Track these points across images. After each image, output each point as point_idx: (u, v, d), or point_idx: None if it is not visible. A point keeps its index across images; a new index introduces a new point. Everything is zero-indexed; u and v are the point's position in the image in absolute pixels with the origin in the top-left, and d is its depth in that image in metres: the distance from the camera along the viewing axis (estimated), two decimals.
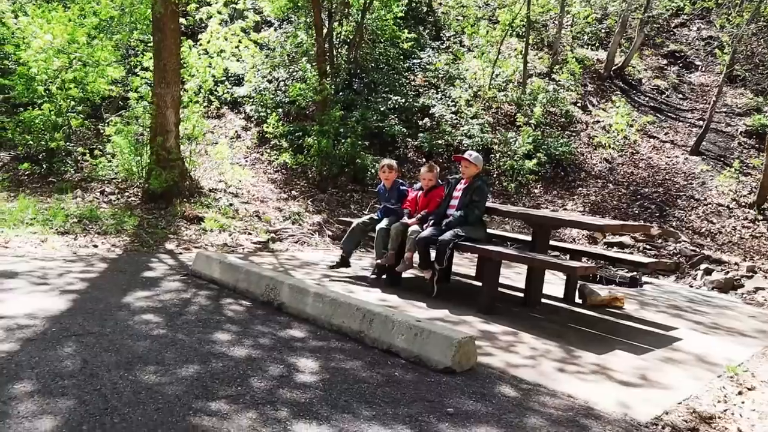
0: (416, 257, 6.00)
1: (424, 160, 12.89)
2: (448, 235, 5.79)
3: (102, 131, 10.94)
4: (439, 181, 6.38)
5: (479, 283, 7.06)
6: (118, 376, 3.30)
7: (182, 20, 9.80)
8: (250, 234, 8.48)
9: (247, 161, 11.97)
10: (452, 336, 3.77)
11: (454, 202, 6.13)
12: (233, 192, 10.31)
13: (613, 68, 17.50)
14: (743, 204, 12.21)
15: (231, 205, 9.55)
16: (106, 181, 9.88)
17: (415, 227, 6.06)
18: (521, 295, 6.46)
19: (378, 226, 6.29)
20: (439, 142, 13.28)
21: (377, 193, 6.81)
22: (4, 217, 7.26)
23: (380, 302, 5.58)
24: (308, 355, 3.91)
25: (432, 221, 6.12)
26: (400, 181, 6.69)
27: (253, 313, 4.77)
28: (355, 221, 6.47)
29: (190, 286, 5.48)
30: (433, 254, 5.82)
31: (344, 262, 6.56)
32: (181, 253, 7.03)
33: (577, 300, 6.73)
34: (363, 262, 7.73)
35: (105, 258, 6.35)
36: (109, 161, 10.09)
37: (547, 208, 12.15)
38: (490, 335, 4.93)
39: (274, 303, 4.92)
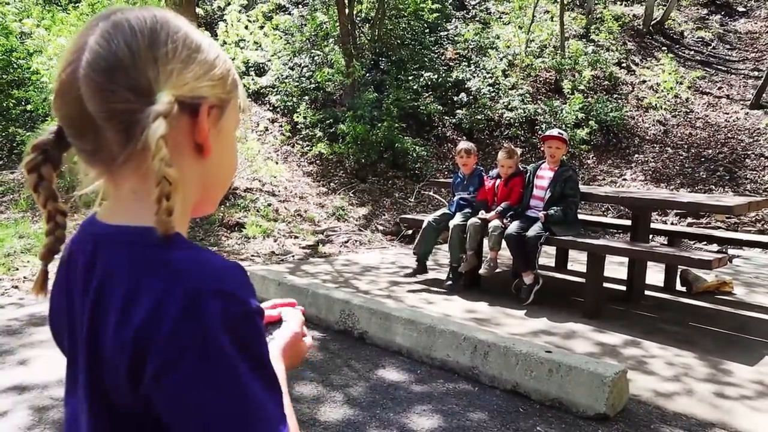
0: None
1: (464, 138, 12.01)
2: (536, 228, 4.97)
3: None
4: (519, 167, 5.53)
5: (562, 276, 6.25)
6: None
7: (198, 10, 9.01)
8: (296, 237, 7.73)
9: (278, 155, 11.19)
10: (602, 372, 2.98)
11: (538, 192, 5.31)
12: (270, 190, 9.56)
13: (652, 23, 16.34)
14: None
15: (270, 205, 8.81)
16: None
17: (497, 222, 5.24)
18: (616, 286, 5.64)
19: (452, 223, 5.46)
20: (479, 117, 12.36)
21: (451, 183, 5.96)
22: (31, 243, 6.58)
23: (468, 314, 4.81)
24: (416, 408, 3.14)
25: (513, 214, 5.31)
26: (481, 168, 5.84)
27: (330, 349, 4.01)
28: (425, 220, 5.65)
29: None
30: None
31: (421, 269, 5.76)
32: None
33: (679, 287, 5.90)
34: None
35: None
36: None
37: (604, 179, 11.23)
38: (610, 350, 4.13)
39: (353, 332, 4.15)
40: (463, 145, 5.77)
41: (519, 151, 5.67)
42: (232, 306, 0.63)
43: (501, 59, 13.81)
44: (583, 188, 5.45)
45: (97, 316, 0.66)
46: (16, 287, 5.36)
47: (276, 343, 0.89)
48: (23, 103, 9.88)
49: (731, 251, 7.67)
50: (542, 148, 5.77)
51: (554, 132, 5.21)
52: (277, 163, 10.35)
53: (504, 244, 5.15)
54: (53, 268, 0.74)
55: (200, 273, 0.64)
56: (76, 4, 10.24)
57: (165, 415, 0.62)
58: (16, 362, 3.68)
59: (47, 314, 0.79)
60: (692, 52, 15.76)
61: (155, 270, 0.64)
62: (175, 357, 0.60)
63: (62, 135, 0.72)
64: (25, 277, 5.63)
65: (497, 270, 5.38)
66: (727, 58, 15.46)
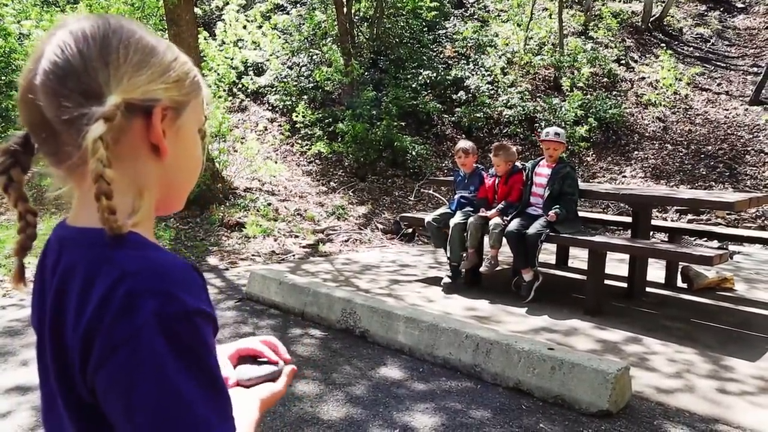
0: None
1: (463, 136, 12.00)
2: (536, 226, 4.97)
3: None
4: (518, 164, 5.52)
5: (562, 273, 6.25)
6: None
7: (196, 10, 9.00)
8: (296, 237, 7.73)
9: (278, 154, 11.18)
10: (605, 369, 2.97)
11: (537, 190, 5.30)
12: (269, 190, 9.56)
13: (650, 20, 16.33)
14: None
15: (269, 204, 8.81)
16: None
17: (497, 220, 5.23)
18: (617, 283, 5.64)
19: (453, 221, 5.44)
20: (478, 115, 12.35)
21: (453, 181, 5.94)
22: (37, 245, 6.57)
23: (469, 312, 4.81)
24: (419, 406, 3.14)
25: (514, 212, 5.30)
26: (481, 167, 5.82)
27: (332, 348, 4.00)
28: (425, 221, 5.63)
29: (247, 315, 4.73)
30: None
31: (457, 273, 5.52)
32: (227, 269, 6.30)
33: (680, 284, 5.89)
34: (425, 258, 6.95)
35: None
36: None
37: (603, 176, 11.23)
38: (612, 346, 4.13)
39: (354, 331, 4.15)
40: (462, 144, 5.75)
41: (513, 148, 5.65)
42: (168, 305, 0.65)
43: (500, 57, 13.81)
44: (583, 185, 5.45)
45: (58, 315, 0.70)
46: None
47: (258, 394, 0.90)
48: None
49: (732, 247, 7.67)
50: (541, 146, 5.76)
51: (551, 135, 5.18)
52: (276, 162, 10.35)
53: (504, 241, 5.14)
54: (30, 261, 0.78)
55: (142, 273, 0.66)
56: (74, 5, 10.23)
57: (102, 406, 0.66)
58: (19, 363, 3.68)
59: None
60: (691, 49, 15.75)
61: (104, 269, 0.67)
62: (109, 351, 0.63)
63: (29, 140, 0.75)
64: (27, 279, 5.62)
65: (498, 268, 5.37)
66: (726, 54, 15.46)
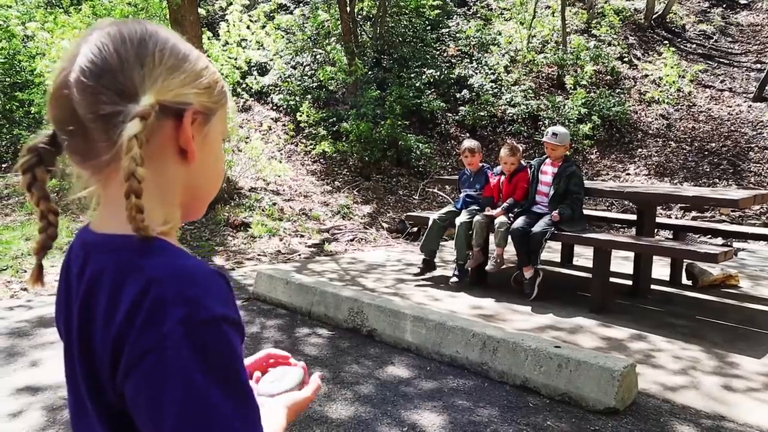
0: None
1: (467, 134, 12.01)
2: (541, 224, 4.98)
3: None
4: (522, 162, 5.53)
5: (567, 271, 6.27)
6: None
7: (200, 11, 9.02)
8: (302, 236, 7.75)
9: (282, 154, 11.20)
10: (611, 366, 2.99)
11: (542, 188, 5.31)
12: (274, 189, 9.59)
13: (653, 17, 16.30)
14: None
15: (275, 204, 8.83)
16: None
17: (503, 218, 5.25)
18: (622, 281, 5.65)
19: (458, 220, 5.47)
20: (482, 114, 12.36)
21: (458, 180, 5.97)
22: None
23: (474, 310, 4.82)
24: (426, 404, 3.16)
25: (518, 211, 5.32)
26: (487, 165, 5.84)
27: (339, 347, 4.03)
28: (431, 218, 5.66)
29: (255, 315, 4.76)
30: None
31: (429, 266, 5.78)
32: (233, 269, 6.32)
33: (685, 281, 5.90)
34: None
35: None
36: None
37: (607, 174, 11.23)
38: (617, 344, 4.14)
39: (362, 330, 4.17)
40: (468, 144, 5.77)
41: (521, 147, 5.67)
42: (196, 313, 0.65)
43: (503, 55, 13.80)
44: (587, 183, 5.46)
45: (86, 322, 0.70)
46: (25, 290, 5.39)
47: (284, 402, 0.91)
48: (27, 105, 9.92)
49: (736, 244, 7.67)
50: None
51: (548, 138, 5.20)
52: (281, 162, 10.38)
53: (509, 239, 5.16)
54: (47, 261, 0.78)
55: (170, 280, 0.67)
56: (78, 7, 10.27)
57: (130, 413, 0.66)
58: (28, 363, 3.71)
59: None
60: (694, 46, 15.71)
61: (132, 276, 0.68)
62: (137, 359, 0.64)
63: (56, 138, 0.75)
64: None
65: (504, 266, 5.39)
66: (729, 51, 15.41)
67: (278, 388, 0.93)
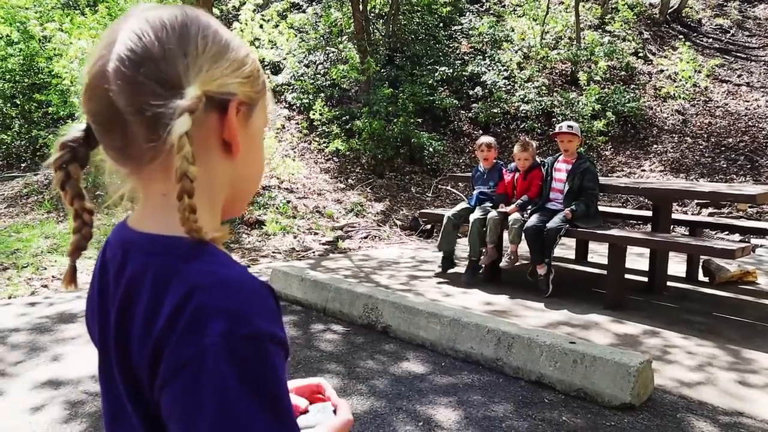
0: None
1: (480, 132, 12.00)
2: (556, 221, 4.98)
3: None
4: (536, 160, 5.53)
5: (581, 268, 6.25)
6: None
7: (214, 11, 9.08)
8: (316, 234, 7.80)
9: (296, 152, 11.26)
10: (627, 362, 2.99)
11: (557, 185, 5.30)
12: (288, 188, 9.63)
13: (668, 11, 16.16)
14: None
15: (288, 202, 8.88)
16: None
17: (517, 215, 5.25)
18: (637, 277, 5.63)
19: (472, 217, 5.48)
20: (495, 111, 12.34)
21: (471, 177, 5.97)
22: (57, 243, 6.71)
23: (488, 306, 4.83)
24: (442, 400, 3.18)
25: (533, 207, 5.32)
26: (501, 162, 5.84)
27: (354, 343, 4.06)
28: (445, 216, 5.67)
29: None
30: None
31: (449, 264, 5.76)
32: (248, 266, 6.37)
33: (702, 278, 5.87)
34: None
35: None
36: None
37: (622, 171, 11.16)
38: (631, 339, 4.13)
39: (376, 326, 4.20)
40: (484, 139, 5.79)
41: (534, 143, 5.67)
42: (237, 327, 0.61)
43: (516, 52, 13.76)
44: (601, 180, 5.45)
45: (125, 325, 0.67)
46: (45, 286, 5.48)
47: (334, 421, 0.89)
48: (45, 106, 10.04)
49: (754, 240, 7.60)
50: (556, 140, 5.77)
51: (563, 128, 5.20)
52: (294, 160, 10.43)
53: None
54: (81, 263, 0.75)
55: (213, 289, 0.63)
56: (94, 8, 10.38)
57: (165, 422, 0.64)
58: (50, 358, 3.78)
59: (83, 313, 0.82)
60: (710, 40, 15.56)
61: (174, 281, 0.64)
62: (174, 370, 0.61)
63: (90, 133, 0.72)
64: (53, 276, 5.75)
65: (518, 263, 5.39)
66: (746, 45, 15.25)
67: (308, 421, 0.91)
